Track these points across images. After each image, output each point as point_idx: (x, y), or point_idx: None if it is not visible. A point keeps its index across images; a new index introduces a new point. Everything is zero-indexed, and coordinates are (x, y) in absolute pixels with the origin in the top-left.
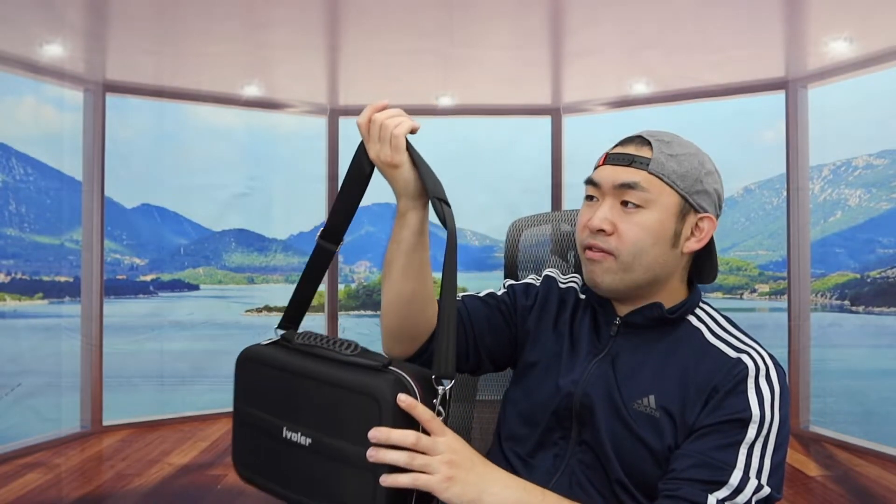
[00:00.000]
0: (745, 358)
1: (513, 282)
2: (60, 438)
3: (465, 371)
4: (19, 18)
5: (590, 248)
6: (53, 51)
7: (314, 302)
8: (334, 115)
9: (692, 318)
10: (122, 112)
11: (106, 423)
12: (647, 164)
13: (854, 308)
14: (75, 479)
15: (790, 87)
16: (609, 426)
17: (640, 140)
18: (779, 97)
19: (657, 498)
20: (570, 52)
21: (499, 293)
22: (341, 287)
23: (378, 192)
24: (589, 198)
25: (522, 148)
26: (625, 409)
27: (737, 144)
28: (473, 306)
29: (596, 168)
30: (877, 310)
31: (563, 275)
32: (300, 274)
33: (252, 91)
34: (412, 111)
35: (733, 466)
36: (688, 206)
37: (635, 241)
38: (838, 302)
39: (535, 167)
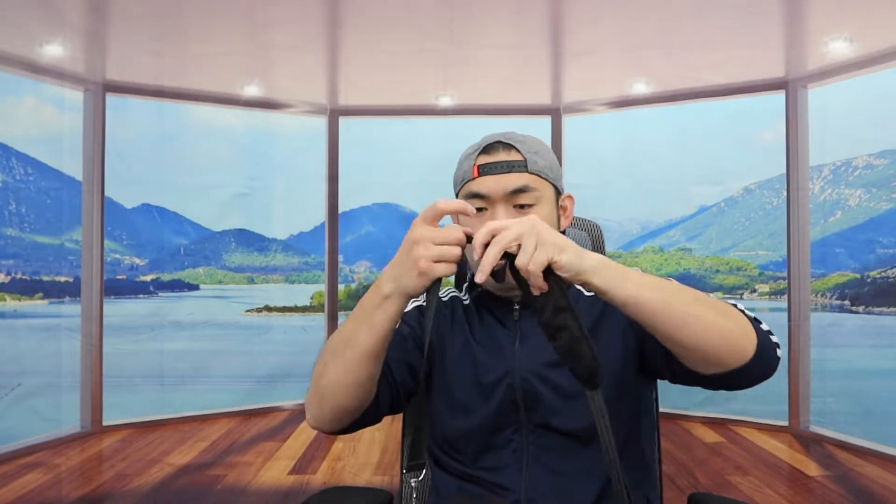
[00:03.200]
0: None
1: (418, 302)
2: (60, 438)
3: (390, 414)
4: (19, 18)
5: None
6: (53, 51)
7: (314, 302)
8: (334, 115)
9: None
10: (122, 112)
11: (106, 423)
12: (526, 166)
13: (854, 308)
14: (75, 479)
15: (790, 87)
16: (556, 396)
17: (503, 146)
18: (779, 97)
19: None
20: (570, 52)
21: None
22: (341, 287)
23: (379, 191)
24: (476, 210)
25: None
26: (562, 371)
27: (737, 144)
28: (392, 357)
29: (469, 181)
30: (877, 310)
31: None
32: (300, 274)
33: (252, 91)
34: (412, 111)
35: None
36: (557, 192)
37: None
38: (838, 302)
39: None
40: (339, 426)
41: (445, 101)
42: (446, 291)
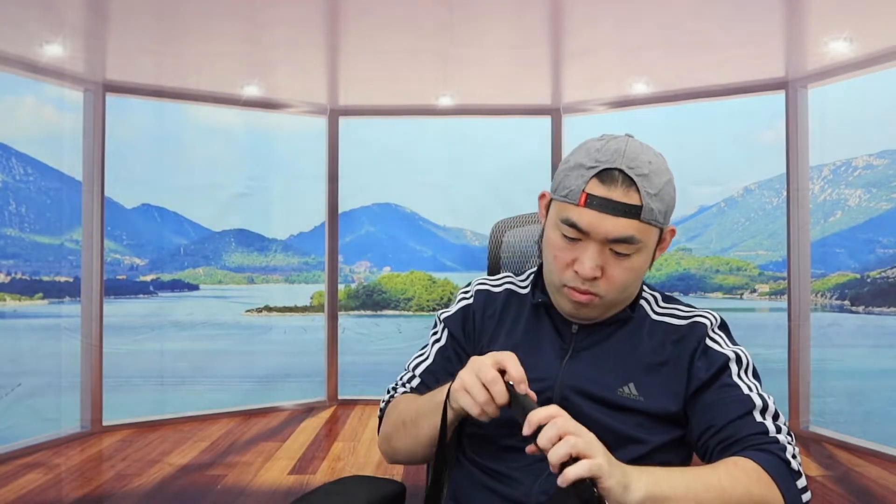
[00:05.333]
0: (696, 320)
1: (446, 313)
2: (60, 438)
3: None
4: (19, 18)
5: (574, 289)
6: (53, 51)
7: (314, 302)
8: (334, 115)
9: (641, 301)
10: (122, 112)
11: (106, 423)
12: (639, 214)
13: (854, 308)
14: (75, 479)
15: (790, 87)
16: (595, 419)
17: (623, 179)
18: (779, 97)
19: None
20: (570, 52)
21: (442, 340)
22: (341, 287)
23: (379, 191)
24: (569, 237)
25: (522, 148)
26: (610, 399)
27: (737, 144)
28: (444, 374)
29: (571, 202)
30: (877, 310)
31: (493, 276)
32: (300, 274)
33: (252, 91)
34: (412, 111)
35: (747, 395)
36: (661, 231)
37: (623, 283)
38: (838, 302)
39: (536, 167)
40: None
41: (445, 101)
42: (502, 280)
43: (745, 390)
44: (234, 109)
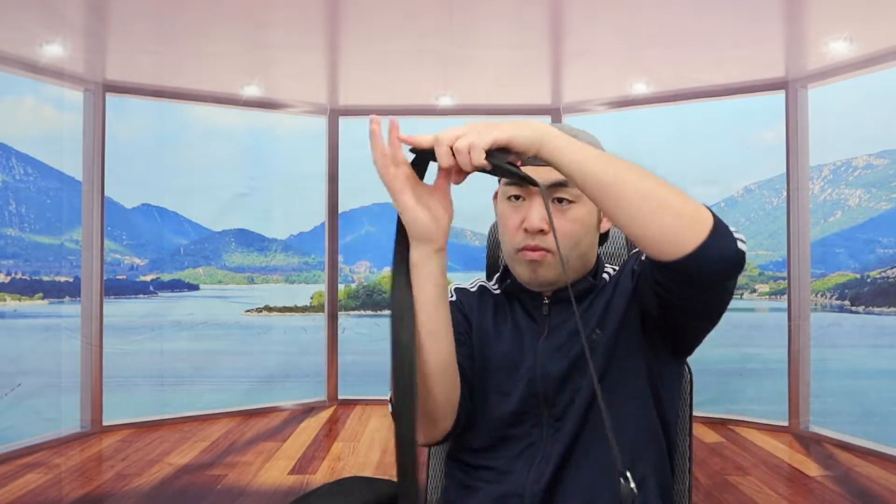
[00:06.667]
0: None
1: (451, 298)
2: (60, 438)
3: None
4: (19, 18)
5: (526, 248)
6: (53, 51)
7: (314, 302)
8: (334, 115)
9: (604, 275)
10: (122, 112)
11: (106, 423)
12: None
13: (854, 308)
14: (75, 479)
15: (790, 87)
16: (575, 393)
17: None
18: (779, 97)
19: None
20: (570, 52)
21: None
22: (341, 287)
23: (379, 191)
24: (512, 198)
25: None
26: (583, 358)
27: (737, 144)
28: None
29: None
30: (877, 310)
31: (466, 283)
32: (300, 274)
33: (252, 91)
34: (412, 111)
35: None
36: None
37: (571, 236)
38: (838, 302)
39: None
40: (436, 435)
41: (445, 101)
42: (474, 282)
43: None
44: (234, 109)
